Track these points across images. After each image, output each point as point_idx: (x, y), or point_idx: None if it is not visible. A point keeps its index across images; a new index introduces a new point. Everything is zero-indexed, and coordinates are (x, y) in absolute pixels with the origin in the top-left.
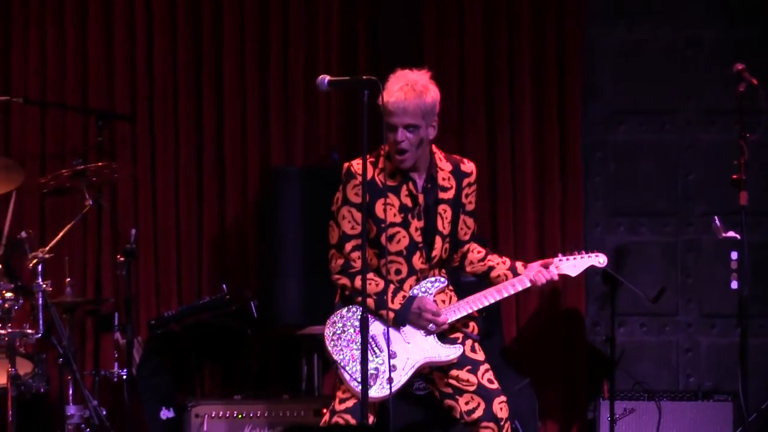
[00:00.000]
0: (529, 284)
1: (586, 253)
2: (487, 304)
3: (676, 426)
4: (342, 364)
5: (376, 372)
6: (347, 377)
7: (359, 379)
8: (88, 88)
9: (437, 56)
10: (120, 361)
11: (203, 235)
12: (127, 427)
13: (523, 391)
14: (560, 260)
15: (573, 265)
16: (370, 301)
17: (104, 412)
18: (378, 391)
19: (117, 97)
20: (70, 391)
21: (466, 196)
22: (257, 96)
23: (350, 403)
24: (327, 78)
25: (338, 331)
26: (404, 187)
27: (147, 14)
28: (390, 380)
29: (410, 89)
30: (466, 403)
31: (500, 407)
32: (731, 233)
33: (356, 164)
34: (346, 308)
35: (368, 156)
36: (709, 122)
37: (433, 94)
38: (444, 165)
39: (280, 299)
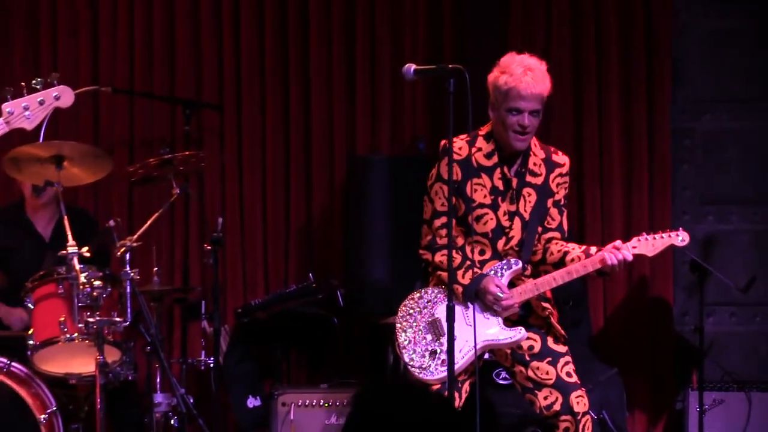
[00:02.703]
0: (599, 264)
1: (668, 231)
2: (555, 285)
3: (767, 417)
4: (401, 345)
5: (434, 354)
6: (406, 359)
7: (416, 364)
8: (175, 78)
9: (523, 42)
10: (207, 350)
11: (290, 223)
12: (214, 415)
13: (611, 381)
14: (638, 240)
15: (651, 244)
16: (444, 275)
17: (191, 400)
18: (432, 373)
19: (204, 87)
20: (158, 379)
21: (557, 186)
22: (343, 84)
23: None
24: (413, 67)
25: (405, 314)
26: (498, 170)
27: (234, 3)
28: (444, 363)
29: (539, 75)
30: (545, 398)
31: (577, 401)
32: None
33: (453, 141)
34: (417, 291)
35: (465, 136)
36: None
37: (549, 80)
38: (538, 152)
39: (367, 288)
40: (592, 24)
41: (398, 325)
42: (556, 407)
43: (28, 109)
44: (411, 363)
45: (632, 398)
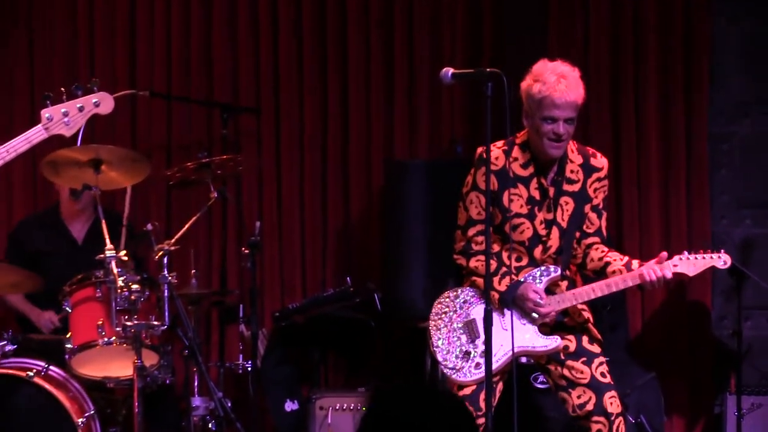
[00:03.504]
0: (639, 280)
1: (711, 252)
2: (593, 297)
3: None
4: (435, 344)
5: (467, 356)
6: (439, 358)
7: (449, 365)
8: (213, 81)
9: (561, 44)
10: (245, 353)
11: (327, 227)
12: (252, 418)
13: (649, 386)
14: (679, 259)
15: (692, 264)
16: (480, 281)
17: (229, 404)
18: (465, 374)
19: (242, 90)
20: (196, 383)
21: (594, 191)
22: (381, 88)
23: (467, 391)
24: (451, 71)
25: (439, 312)
26: (534, 180)
27: (271, 7)
28: (478, 365)
29: (573, 83)
30: (578, 397)
31: (610, 402)
32: None
33: (490, 150)
34: (452, 290)
35: (502, 143)
36: None
37: (583, 87)
38: (575, 157)
39: (404, 292)
40: (630, 27)
41: (432, 323)
42: (589, 407)
43: (68, 116)
44: (444, 363)
45: (670, 402)
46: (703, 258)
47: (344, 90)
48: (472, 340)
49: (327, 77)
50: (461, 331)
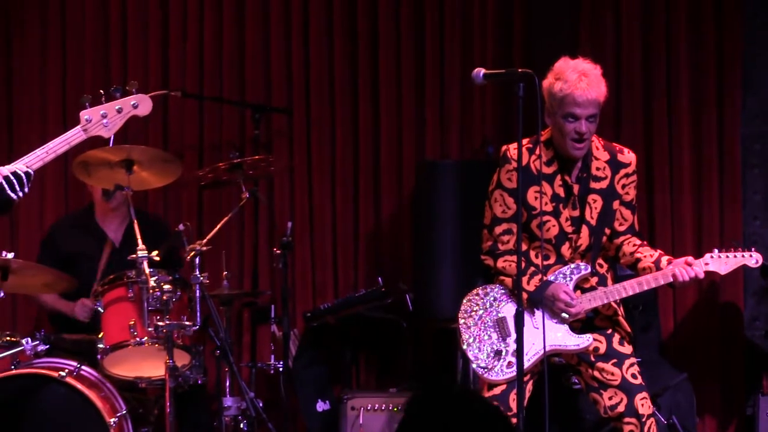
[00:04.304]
0: (671, 279)
1: (742, 250)
2: (624, 295)
3: None
4: (466, 342)
5: (499, 355)
6: (471, 357)
7: (481, 364)
8: (245, 82)
9: (592, 46)
10: (276, 354)
11: (359, 227)
12: (283, 419)
13: (681, 386)
14: (710, 257)
15: (723, 263)
16: (508, 281)
17: (261, 404)
18: (497, 374)
19: (273, 91)
20: (227, 383)
21: (623, 187)
22: (413, 88)
23: (497, 390)
24: (482, 71)
25: (469, 309)
26: (558, 177)
27: (303, 8)
28: (510, 364)
29: (594, 80)
30: (610, 398)
31: (642, 403)
32: None
33: (513, 149)
34: (481, 288)
35: (525, 141)
36: None
37: (605, 84)
38: (601, 154)
39: (436, 292)
40: (662, 26)
41: (461, 321)
42: (621, 408)
43: (106, 117)
44: (476, 362)
45: (702, 403)
46: (735, 256)
47: (375, 89)
48: (503, 338)
49: (358, 77)
50: (492, 329)
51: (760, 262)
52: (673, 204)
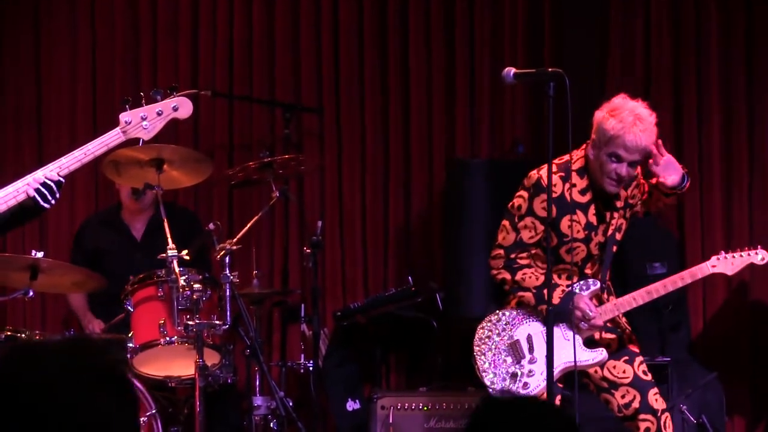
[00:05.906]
0: (680, 284)
1: (748, 249)
2: (635, 306)
3: None
4: (481, 368)
5: (515, 377)
6: (486, 382)
7: (497, 387)
8: (275, 81)
9: (622, 46)
10: (306, 353)
11: (389, 226)
12: (313, 418)
13: (710, 385)
14: (717, 259)
15: (730, 263)
16: (528, 295)
17: (291, 403)
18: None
19: (304, 90)
20: (257, 382)
21: (633, 197)
22: (443, 87)
23: None
24: (513, 71)
25: (483, 336)
26: (593, 206)
27: (333, 7)
28: (526, 385)
29: (648, 128)
30: (622, 397)
31: (655, 398)
32: None
33: (546, 176)
34: (494, 314)
35: (555, 167)
36: None
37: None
38: None
39: (466, 291)
40: (693, 25)
41: (476, 348)
42: (635, 405)
43: (146, 119)
44: (492, 386)
45: (732, 403)
46: (741, 256)
47: (405, 88)
48: (518, 360)
49: (388, 76)
50: (506, 353)
51: (766, 259)
52: (703, 206)
